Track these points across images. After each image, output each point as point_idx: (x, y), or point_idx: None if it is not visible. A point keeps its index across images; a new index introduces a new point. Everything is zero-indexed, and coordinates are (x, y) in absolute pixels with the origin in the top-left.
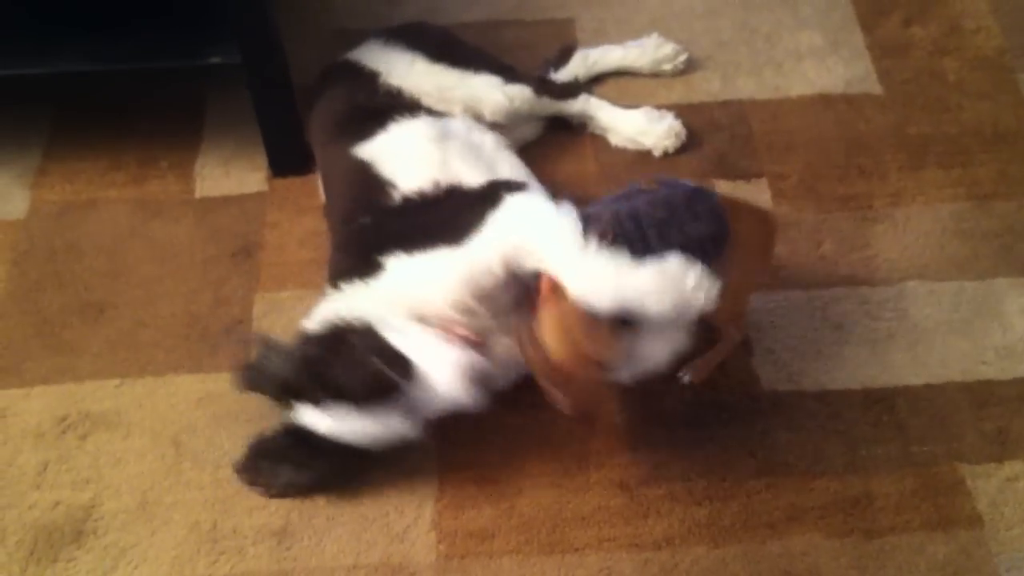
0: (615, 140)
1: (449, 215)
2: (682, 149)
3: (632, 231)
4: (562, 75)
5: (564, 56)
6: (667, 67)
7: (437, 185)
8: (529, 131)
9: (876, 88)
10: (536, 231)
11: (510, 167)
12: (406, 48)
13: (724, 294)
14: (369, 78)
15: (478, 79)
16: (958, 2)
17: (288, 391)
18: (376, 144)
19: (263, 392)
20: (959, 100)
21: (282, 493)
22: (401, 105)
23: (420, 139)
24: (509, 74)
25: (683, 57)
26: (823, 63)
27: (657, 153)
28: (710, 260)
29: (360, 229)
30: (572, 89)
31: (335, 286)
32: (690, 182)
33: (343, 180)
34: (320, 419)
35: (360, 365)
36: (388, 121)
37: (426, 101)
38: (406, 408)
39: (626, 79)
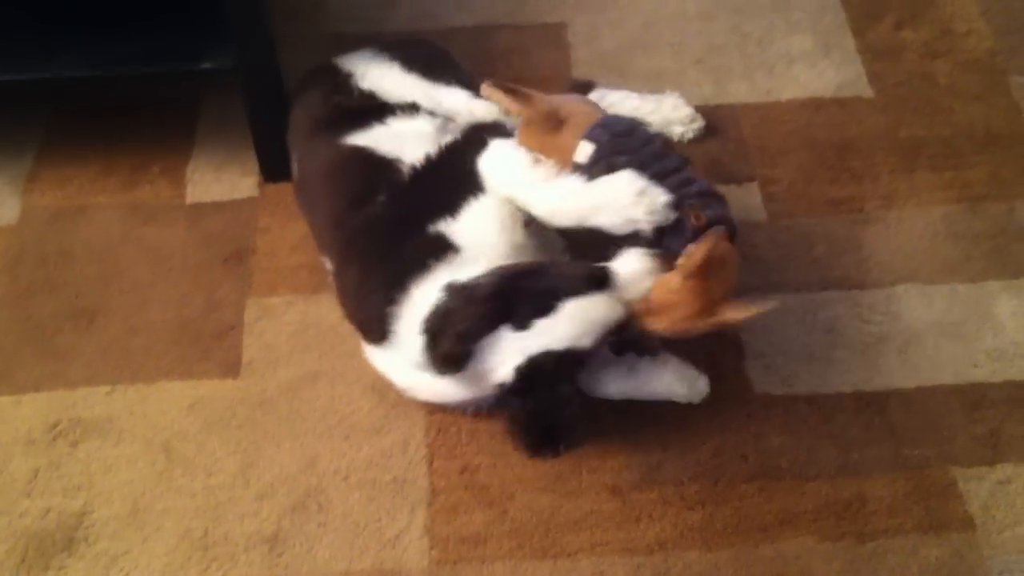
0: None
1: (457, 171)
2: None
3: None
4: None
5: (581, 91)
6: (678, 129)
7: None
8: None
9: (867, 91)
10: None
11: None
12: (386, 57)
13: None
14: (345, 79)
15: (446, 93)
16: (949, 5)
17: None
18: (373, 132)
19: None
20: (950, 103)
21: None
22: (383, 107)
23: (423, 125)
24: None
25: (698, 124)
26: (814, 67)
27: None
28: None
29: (380, 212)
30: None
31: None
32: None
33: (335, 170)
34: (532, 340)
35: (568, 267)
36: (385, 116)
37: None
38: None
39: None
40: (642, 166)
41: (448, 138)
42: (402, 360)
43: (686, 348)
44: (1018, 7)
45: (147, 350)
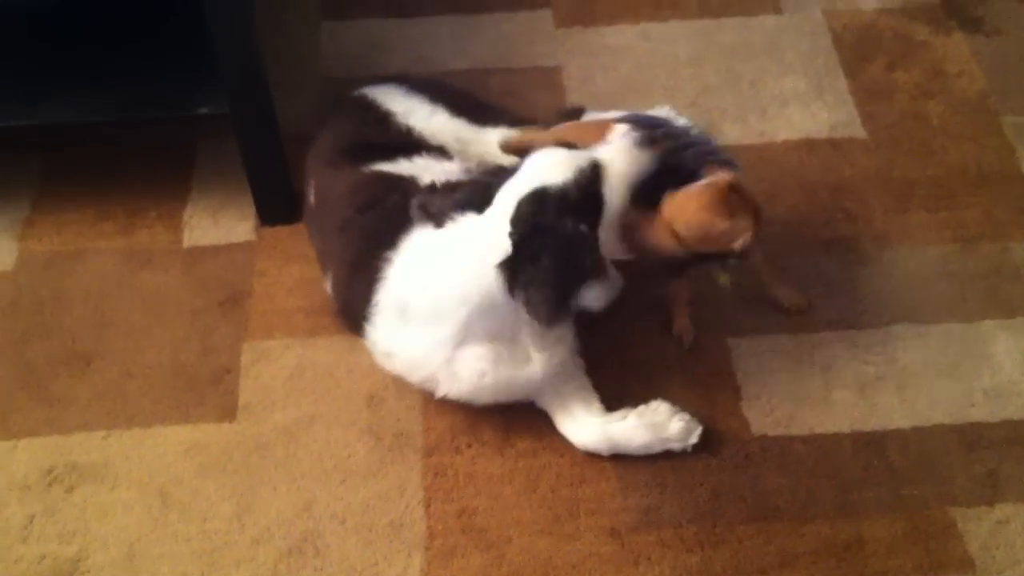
0: None
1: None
2: None
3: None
4: None
5: (570, 119)
6: None
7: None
8: None
9: (860, 132)
10: None
11: None
12: (428, 100)
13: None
14: (382, 116)
15: (494, 136)
16: (940, 47)
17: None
18: (397, 165)
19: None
20: (943, 143)
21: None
22: (418, 144)
23: (451, 166)
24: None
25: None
26: (807, 108)
27: None
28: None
29: (385, 211)
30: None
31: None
32: None
33: (353, 190)
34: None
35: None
36: (414, 153)
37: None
38: None
39: None
40: (675, 137)
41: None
42: (384, 331)
43: (683, 391)
44: (1009, 48)
45: (143, 394)
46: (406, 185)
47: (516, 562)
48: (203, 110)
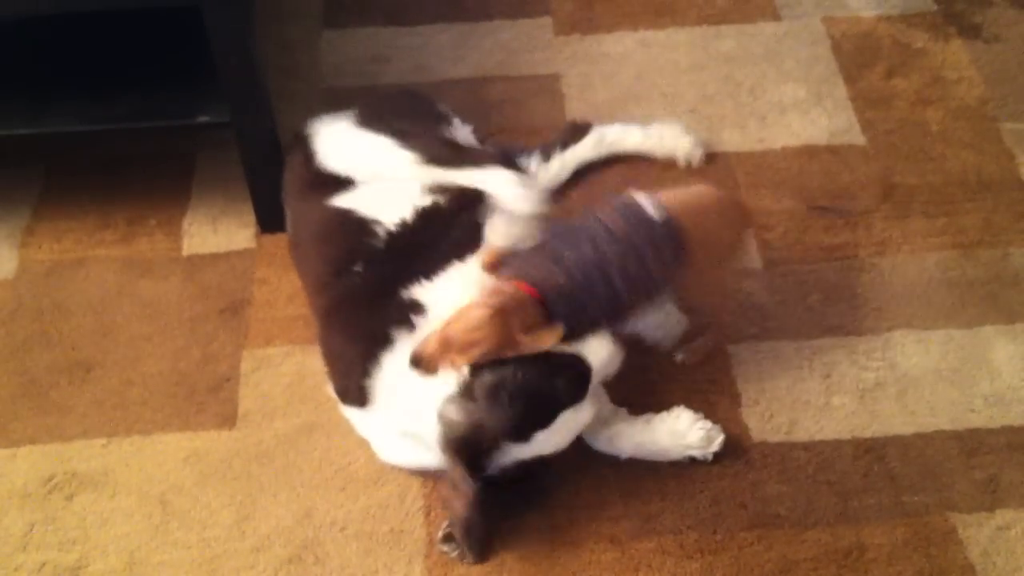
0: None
1: (437, 234)
2: None
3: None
4: (569, 155)
5: (577, 134)
6: (681, 156)
7: (415, 210)
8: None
9: (860, 139)
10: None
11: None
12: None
13: (688, 281)
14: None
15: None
16: (939, 53)
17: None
18: (357, 195)
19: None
20: (942, 150)
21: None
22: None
23: (412, 186)
24: (511, 165)
25: (699, 152)
26: (807, 115)
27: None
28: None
29: (357, 282)
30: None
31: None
32: (644, 205)
33: (320, 233)
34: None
35: (543, 376)
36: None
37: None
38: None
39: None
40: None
41: (428, 201)
42: (380, 427)
43: (682, 398)
44: (1008, 54)
45: (143, 402)
46: (368, 241)
47: (516, 569)
48: (203, 119)
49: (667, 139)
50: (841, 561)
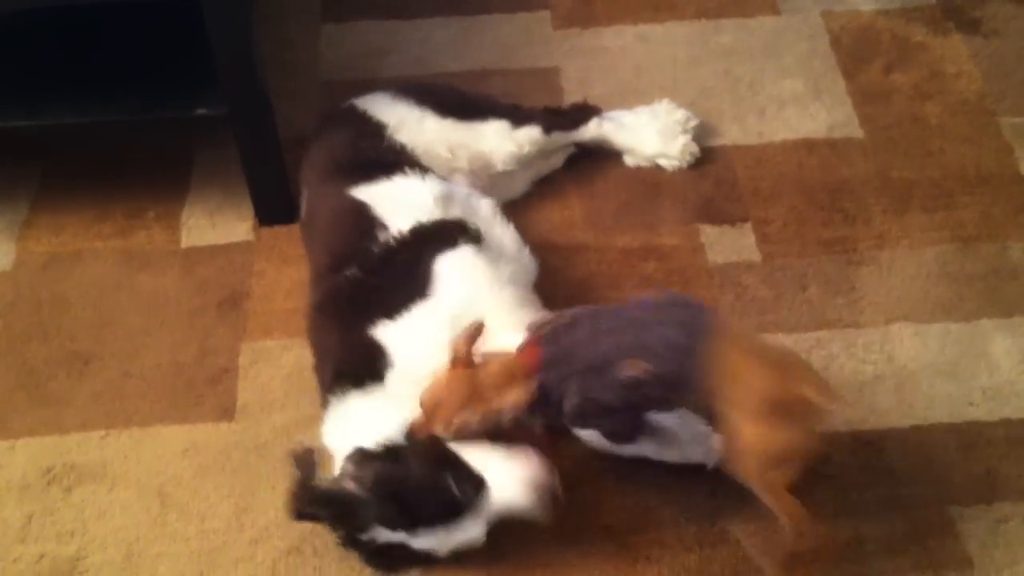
0: (631, 162)
1: (413, 258)
2: (668, 194)
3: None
4: (571, 136)
5: (586, 115)
6: (680, 139)
7: (414, 223)
8: (555, 160)
9: (858, 133)
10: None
11: (501, 231)
12: (415, 104)
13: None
14: (376, 129)
15: (487, 129)
16: (938, 48)
17: (349, 518)
18: (377, 188)
19: (318, 518)
20: (941, 144)
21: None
22: (405, 161)
23: (424, 193)
24: (516, 116)
25: (694, 123)
26: (806, 109)
27: (671, 170)
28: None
29: (345, 286)
30: (582, 115)
31: (335, 383)
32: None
33: (333, 221)
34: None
35: (434, 486)
36: (394, 172)
37: (434, 158)
38: (475, 519)
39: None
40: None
41: (423, 218)
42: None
43: None
44: (1006, 49)
45: (141, 395)
46: (366, 245)
47: (513, 561)
48: (202, 112)
49: (660, 115)
50: (840, 554)
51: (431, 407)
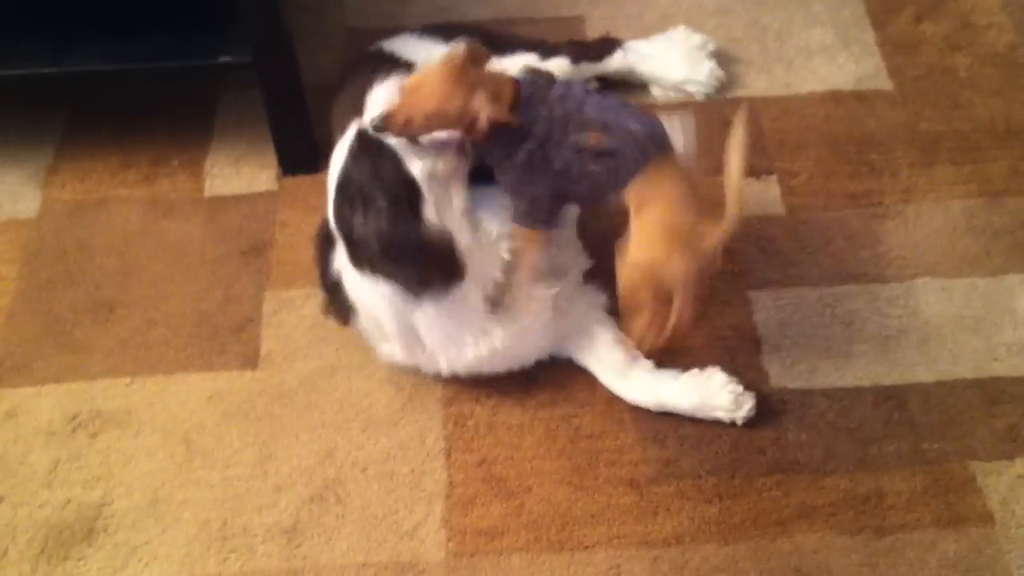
0: (658, 92)
1: None
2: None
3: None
4: (597, 68)
5: (608, 49)
6: (706, 65)
7: None
8: None
9: (887, 85)
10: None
11: None
12: (443, 42)
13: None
14: (403, 68)
15: (515, 61)
16: None
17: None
18: None
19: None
20: (970, 96)
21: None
22: None
23: None
24: (544, 49)
25: (711, 45)
26: (834, 60)
27: (700, 97)
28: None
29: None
30: (608, 47)
31: None
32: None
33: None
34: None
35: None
36: None
37: None
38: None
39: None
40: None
41: None
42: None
43: (703, 343)
44: None
45: (166, 342)
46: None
47: (535, 511)
48: (226, 59)
49: (676, 40)
50: (859, 508)
51: (413, 88)
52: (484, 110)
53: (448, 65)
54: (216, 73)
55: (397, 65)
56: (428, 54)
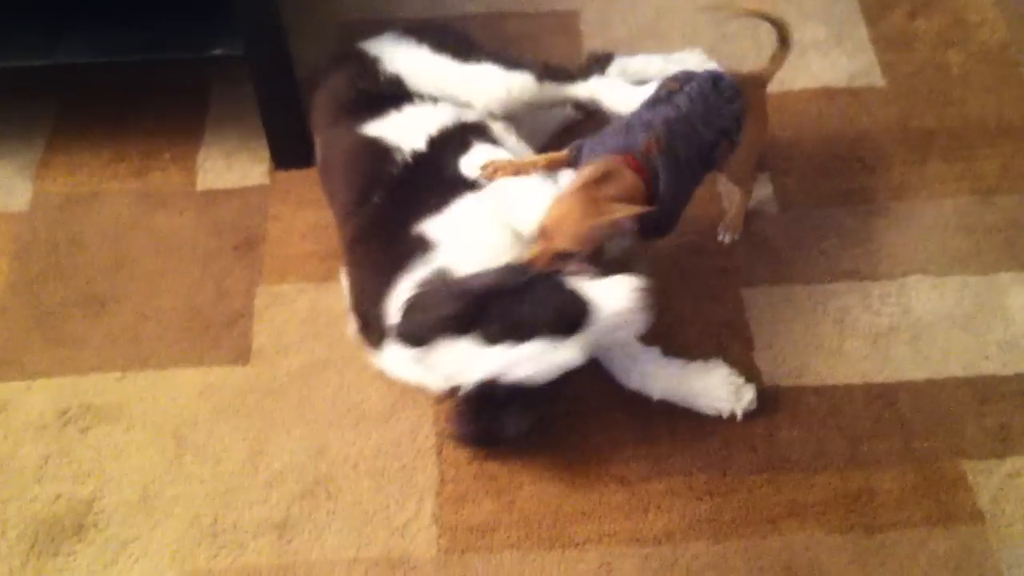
0: None
1: (439, 166)
2: None
3: (682, 131)
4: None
5: (600, 64)
6: None
7: (427, 138)
8: (552, 119)
9: (880, 81)
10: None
11: (515, 143)
12: (420, 40)
13: (739, 155)
14: (370, 64)
15: (479, 70)
16: None
17: (453, 325)
18: (387, 120)
19: (423, 335)
20: (963, 94)
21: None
22: (406, 93)
23: (437, 114)
24: (511, 63)
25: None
26: (827, 56)
27: None
28: (738, 130)
29: (377, 208)
30: (581, 71)
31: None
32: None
33: (350, 159)
34: (493, 361)
35: (547, 298)
36: (403, 103)
37: (424, 89)
38: (583, 339)
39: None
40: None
41: (435, 131)
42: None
43: (695, 339)
44: None
45: (157, 337)
46: (387, 169)
47: (526, 508)
48: (218, 52)
49: (689, 65)
50: (850, 505)
51: (555, 223)
52: (623, 213)
53: (580, 193)
54: (209, 66)
55: (365, 62)
56: (410, 55)
